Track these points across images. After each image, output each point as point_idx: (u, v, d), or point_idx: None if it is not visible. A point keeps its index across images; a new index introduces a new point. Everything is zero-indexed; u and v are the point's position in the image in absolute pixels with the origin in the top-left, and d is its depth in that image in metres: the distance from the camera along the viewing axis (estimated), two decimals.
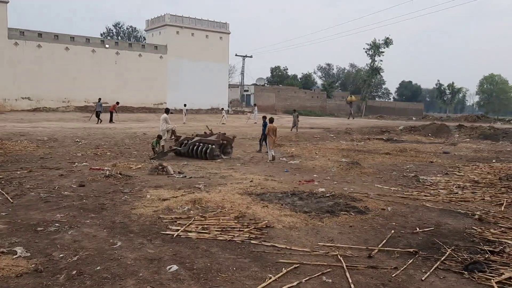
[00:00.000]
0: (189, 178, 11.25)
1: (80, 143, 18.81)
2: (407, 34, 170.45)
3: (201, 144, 15.55)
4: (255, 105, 39.54)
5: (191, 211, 7.66)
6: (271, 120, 16.06)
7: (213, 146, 15.16)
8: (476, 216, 7.68)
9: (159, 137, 15.64)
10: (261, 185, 10.28)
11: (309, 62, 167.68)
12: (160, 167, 11.77)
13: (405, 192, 9.93)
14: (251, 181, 10.76)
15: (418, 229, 6.88)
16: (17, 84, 34.40)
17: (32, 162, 13.55)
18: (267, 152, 15.80)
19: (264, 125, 17.69)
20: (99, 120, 29.35)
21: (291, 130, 28.29)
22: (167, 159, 15.29)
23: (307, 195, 9.05)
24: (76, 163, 13.18)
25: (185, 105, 37.46)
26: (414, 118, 58.78)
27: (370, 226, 7.02)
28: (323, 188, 9.86)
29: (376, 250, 5.80)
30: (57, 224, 6.64)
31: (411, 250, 5.86)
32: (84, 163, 13.30)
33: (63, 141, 19.02)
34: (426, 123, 34.44)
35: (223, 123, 34.35)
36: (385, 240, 6.24)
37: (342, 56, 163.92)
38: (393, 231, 6.72)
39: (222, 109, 38.52)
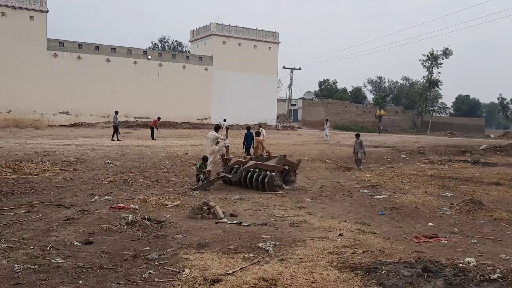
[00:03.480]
0: (247, 225, 7.73)
1: (111, 166, 15.80)
2: (463, 46, 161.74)
3: (256, 170, 12.04)
4: (326, 120, 35.75)
5: None
6: (257, 133, 15.66)
7: (273, 174, 11.61)
8: None
9: (205, 159, 12.27)
10: (360, 243, 6.61)
11: (358, 75, 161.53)
12: (205, 207, 8.31)
13: None
14: (340, 235, 7.12)
15: None
16: (55, 98, 32.41)
17: (43, 193, 10.53)
18: None
19: (248, 135, 17.35)
20: (116, 137, 25.78)
21: (357, 166, 17.93)
22: (213, 189, 11.88)
23: (454, 275, 5.27)
24: (95, 197, 9.97)
25: (224, 120, 34.24)
26: (492, 136, 52.69)
27: None
28: (470, 257, 6.02)
29: None
30: None
31: None
32: (106, 196, 10.08)
33: (91, 163, 16.10)
34: None
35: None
36: None
37: (393, 68, 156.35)
38: None
39: (260, 126, 34.35)
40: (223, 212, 8.53)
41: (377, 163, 20.69)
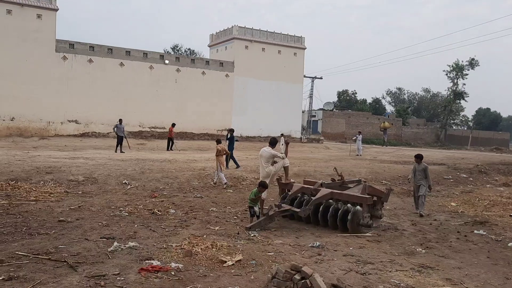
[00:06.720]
0: None
1: (129, 187, 12.65)
2: (479, 58, 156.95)
3: (330, 201, 8.80)
4: (359, 132, 32.00)
5: None
6: (219, 141, 15.11)
7: (358, 208, 8.35)
8: None
9: (263, 185, 8.93)
10: None
11: (376, 87, 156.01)
12: (296, 275, 5.07)
13: None
14: None
15: None
16: (64, 105, 29.35)
17: (40, 233, 7.40)
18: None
19: (231, 139, 18.16)
20: (120, 149, 22.39)
21: (417, 208, 11.11)
22: (273, 228, 8.64)
23: None
24: (115, 243, 6.76)
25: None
26: None
27: None
28: None
29: None
30: None
31: None
32: (130, 242, 6.87)
33: (105, 183, 12.94)
34: None
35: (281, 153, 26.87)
36: None
37: (413, 80, 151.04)
38: None
39: (282, 135, 29.10)
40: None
41: (442, 184, 17.41)
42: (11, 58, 27.83)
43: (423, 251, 7.32)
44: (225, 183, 13.81)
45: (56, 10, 29.24)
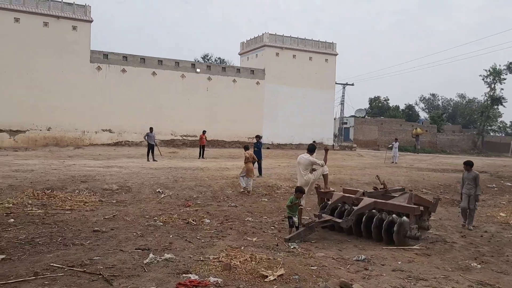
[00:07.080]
0: None
1: (162, 196, 12.49)
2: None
3: (374, 211, 8.33)
4: (396, 139, 30.96)
5: None
6: (247, 148, 15.15)
7: (405, 219, 7.84)
8: None
9: (301, 190, 8.51)
10: None
11: (409, 93, 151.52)
12: None
13: None
14: None
15: None
16: (98, 114, 29.83)
17: (75, 243, 7.24)
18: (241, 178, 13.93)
19: (258, 146, 17.60)
20: (152, 157, 22.14)
21: (465, 221, 10.21)
22: (313, 239, 8.24)
23: None
24: (150, 254, 6.51)
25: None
26: None
27: None
28: None
29: None
30: None
31: None
32: (166, 254, 6.60)
33: (138, 191, 12.84)
34: None
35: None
36: None
37: (446, 85, 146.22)
38: None
39: (314, 142, 28.05)
40: None
41: (486, 193, 16.53)
42: (48, 69, 28.51)
43: (479, 266, 6.76)
44: (244, 187, 13.81)
45: (91, 21, 29.82)
